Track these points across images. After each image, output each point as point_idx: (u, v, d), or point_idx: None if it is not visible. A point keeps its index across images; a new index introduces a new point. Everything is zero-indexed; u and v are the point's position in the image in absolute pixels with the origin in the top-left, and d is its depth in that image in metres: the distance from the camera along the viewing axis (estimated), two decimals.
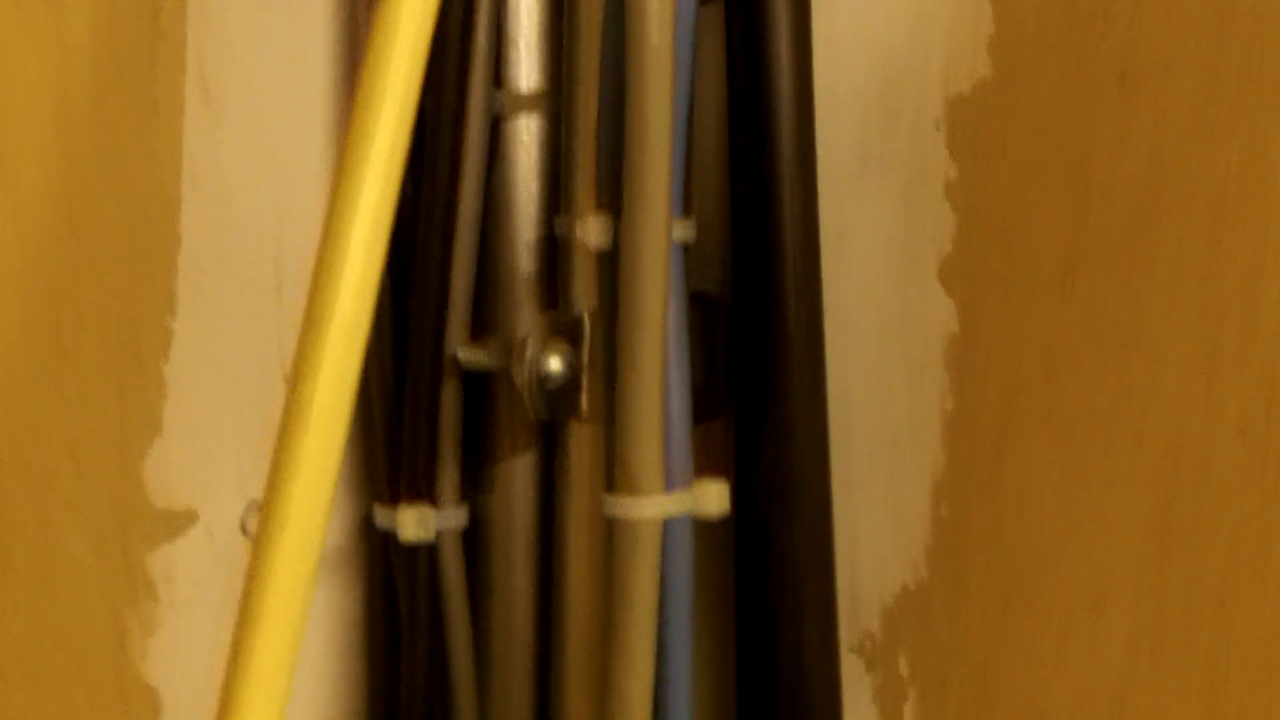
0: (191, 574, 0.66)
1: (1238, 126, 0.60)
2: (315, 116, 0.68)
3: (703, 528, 0.65)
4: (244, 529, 0.68)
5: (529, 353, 0.65)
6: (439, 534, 0.68)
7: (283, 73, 0.67)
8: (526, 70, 0.70)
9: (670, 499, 0.63)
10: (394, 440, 0.69)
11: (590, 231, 0.64)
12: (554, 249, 0.70)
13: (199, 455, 0.65)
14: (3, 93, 0.56)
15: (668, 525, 0.63)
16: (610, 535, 0.63)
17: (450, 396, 0.67)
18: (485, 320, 0.70)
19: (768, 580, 0.68)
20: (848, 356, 0.70)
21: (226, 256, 0.65)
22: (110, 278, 0.61)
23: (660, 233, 0.61)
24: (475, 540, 0.71)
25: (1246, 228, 0.60)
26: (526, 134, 0.70)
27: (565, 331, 0.66)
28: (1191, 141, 0.61)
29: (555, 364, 0.65)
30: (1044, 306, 0.65)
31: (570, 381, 0.66)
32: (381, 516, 0.69)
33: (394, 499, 0.68)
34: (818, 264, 0.67)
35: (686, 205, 0.67)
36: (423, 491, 0.68)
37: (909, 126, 0.68)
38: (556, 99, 0.70)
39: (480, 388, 0.70)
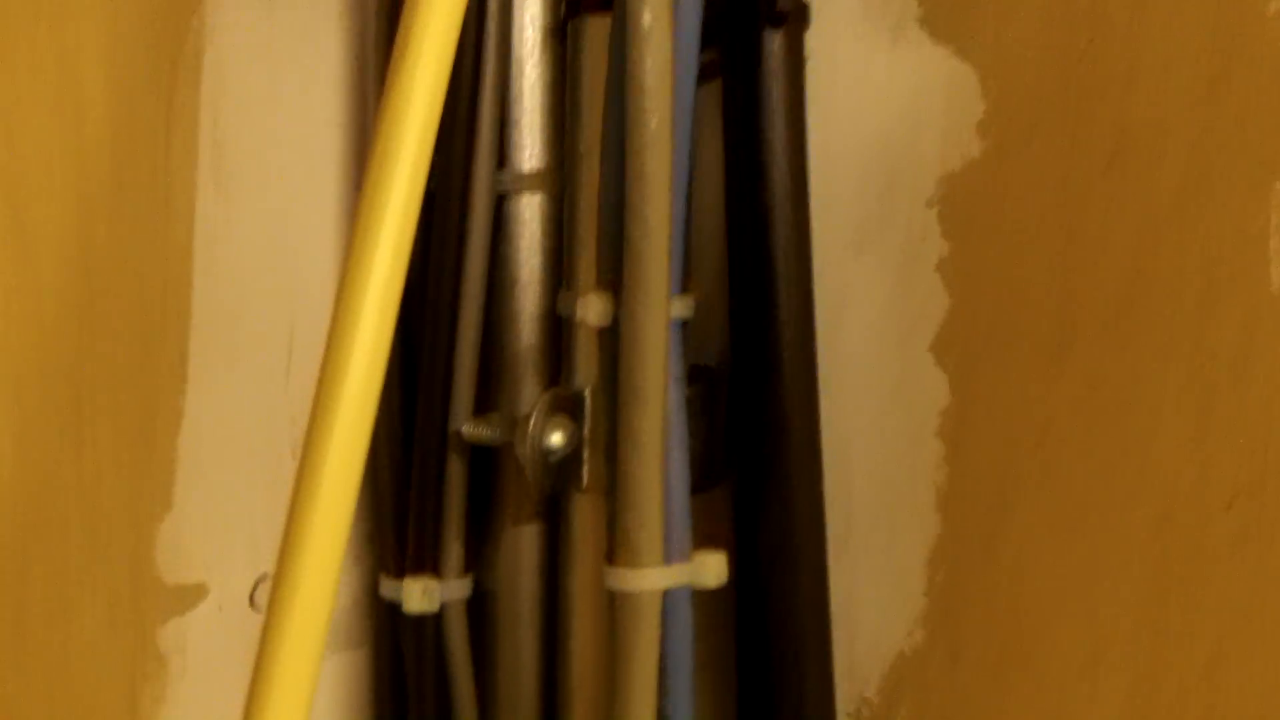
0: (202, 646, 0.67)
1: (1226, 203, 0.62)
2: (326, 198, 0.70)
3: (703, 596, 0.66)
4: (253, 602, 0.69)
5: (531, 428, 0.66)
6: (444, 605, 0.69)
7: (295, 155, 0.69)
8: (530, 150, 0.72)
9: (669, 571, 0.64)
10: (401, 513, 0.70)
11: (591, 310, 0.65)
12: (557, 324, 0.71)
13: (210, 530, 0.67)
14: (23, 178, 0.58)
15: (667, 596, 0.64)
16: (612, 606, 0.64)
17: (455, 471, 0.69)
18: (490, 395, 0.72)
19: (768, 648, 0.70)
20: (846, 426, 0.72)
21: (238, 335, 0.67)
22: (125, 359, 0.62)
23: (659, 312, 0.63)
24: (480, 610, 0.72)
25: (1234, 301, 0.62)
26: (529, 212, 0.72)
27: (567, 407, 0.68)
28: (1180, 218, 0.63)
29: (557, 439, 0.67)
30: (1037, 379, 0.67)
31: (572, 455, 0.67)
32: (388, 588, 0.70)
33: (400, 571, 0.70)
34: (813, 339, 0.69)
35: (686, 282, 0.68)
36: (428, 564, 0.69)
37: (904, 204, 0.70)
38: (559, 178, 0.72)
39: (486, 460, 0.71)
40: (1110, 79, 0.64)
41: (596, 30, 0.69)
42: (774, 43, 0.66)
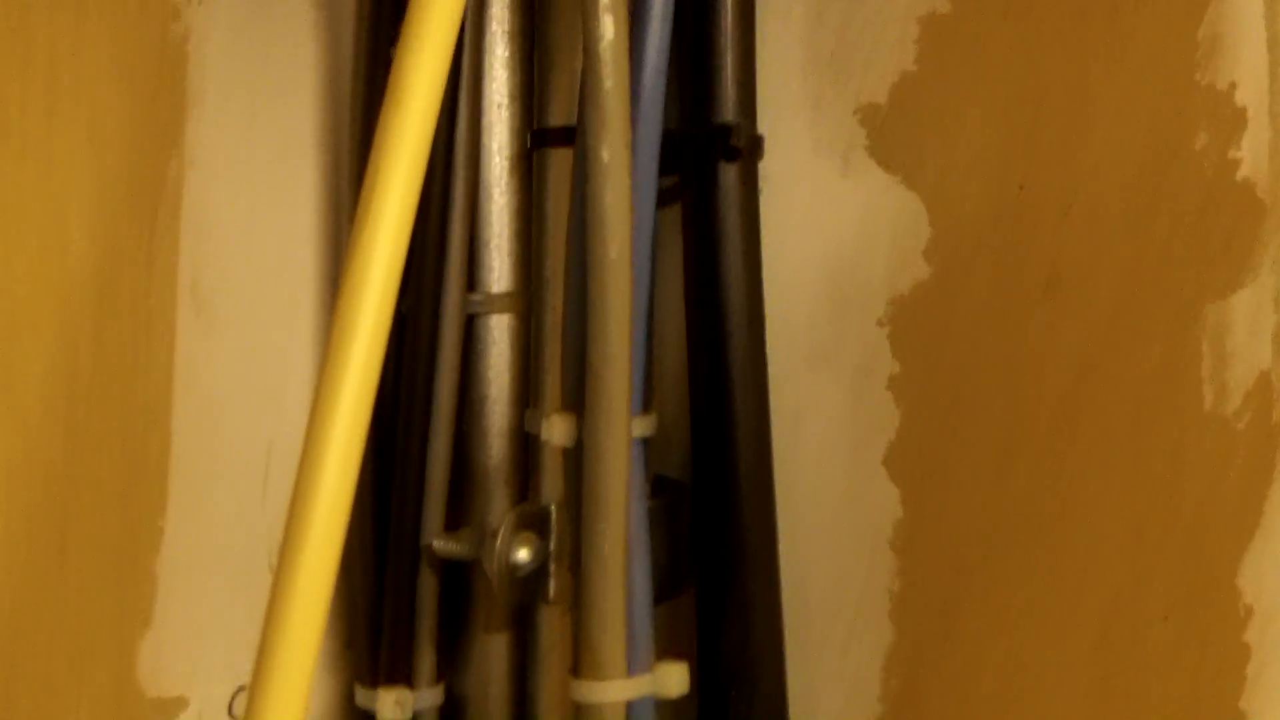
0: None
1: (1158, 327, 0.65)
2: (303, 319, 0.73)
3: (667, 704, 0.69)
4: (231, 712, 0.71)
5: (499, 544, 0.69)
6: (417, 714, 0.72)
7: (271, 283, 0.72)
8: (498, 272, 0.75)
9: (632, 683, 0.66)
10: (375, 624, 0.73)
11: (556, 431, 0.68)
12: (526, 439, 0.74)
13: (190, 643, 0.69)
14: (8, 314, 0.61)
15: (631, 707, 0.66)
16: (577, 718, 0.67)
17: (428, 584, 0.71)
18: (462, 508, 0.74)
19: None
20: (804, 537, 0.74)
21: (217, 455, 0.69)
22: (108, 481, 0.65)
23: (621, 434, 0.65)
24: (453, 717, 0.75)
25: (1168, 420, 0.65)
26: (499, 331, 0.75)
27: (535, 522, 0.70)
28: (1115, 341, 0.66)
29: (524, 554, 0.69)
30: (983, 492, 0.70)
31: (540, 569, 0.70)
32: (362, 697, 0.73)
33: (374, 681, 0.72)
34: (769, 453, 0.72)
35: (649, 399, 0.71)
36: (401, 674, 0.71)
37: (856, 323, 0.73)
38: (527, 299, 0.75)
39: (458, 572, 0.74)
40: (1045, 211, 0.67)
41: (559, 162, 0.73)
42: (729, 175, 0.70)
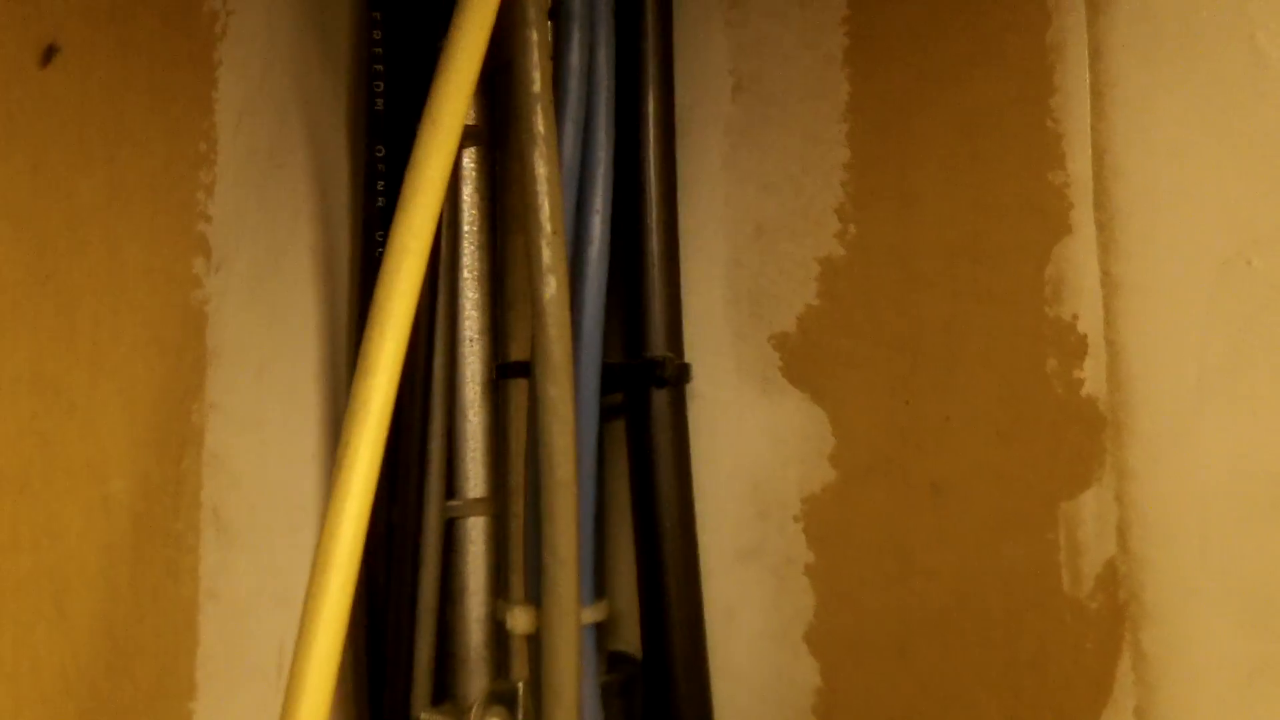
0: None
1: (1023, 526, 0.77)
2: (309, 537, 0.86)
3: None
4: None
5: (473, 718, 0.81)
6: None
7: (282, 505, 0.84)
8: (474, 480, 0.88)
9: None
10: None
11: (519, 621, 0.81)
12: (500, 624, 0.87)
13: None
14: (58, 546, 0.73)
15: None
16: None
17: None
18: (446, 684, 0.87)
19: None
20: (739, 709, 0.86)
21: (236, 652, 0.82)
22: (144, 678, 0.77)
23: (571, 624, 0.78)
24: None
25: (1034, 602, 0.77)
26: (476, 532, 0.88)
27: (505, 699, 0.82)
28: (988, 533, 0.78)
29: None
30: (886, 671, 0.81)
31: None
32: None
33: None
34: (702, 639, 0.84)
35: (600, 589, 0.84)
36: None
37: (776, 521, 0.85)
38: (500, 503, 0.88)
39: None
40: (926, 427, 0.79)
41: (518, 391, 0.86)
42: (660, 400, 0.82)
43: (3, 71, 0.70)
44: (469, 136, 0.88)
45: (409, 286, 0.67)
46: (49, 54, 0.72)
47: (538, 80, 0.78)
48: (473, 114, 0.88)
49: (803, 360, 0.84)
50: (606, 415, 0.85)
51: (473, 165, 0.89)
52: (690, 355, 0.87)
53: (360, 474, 0.66)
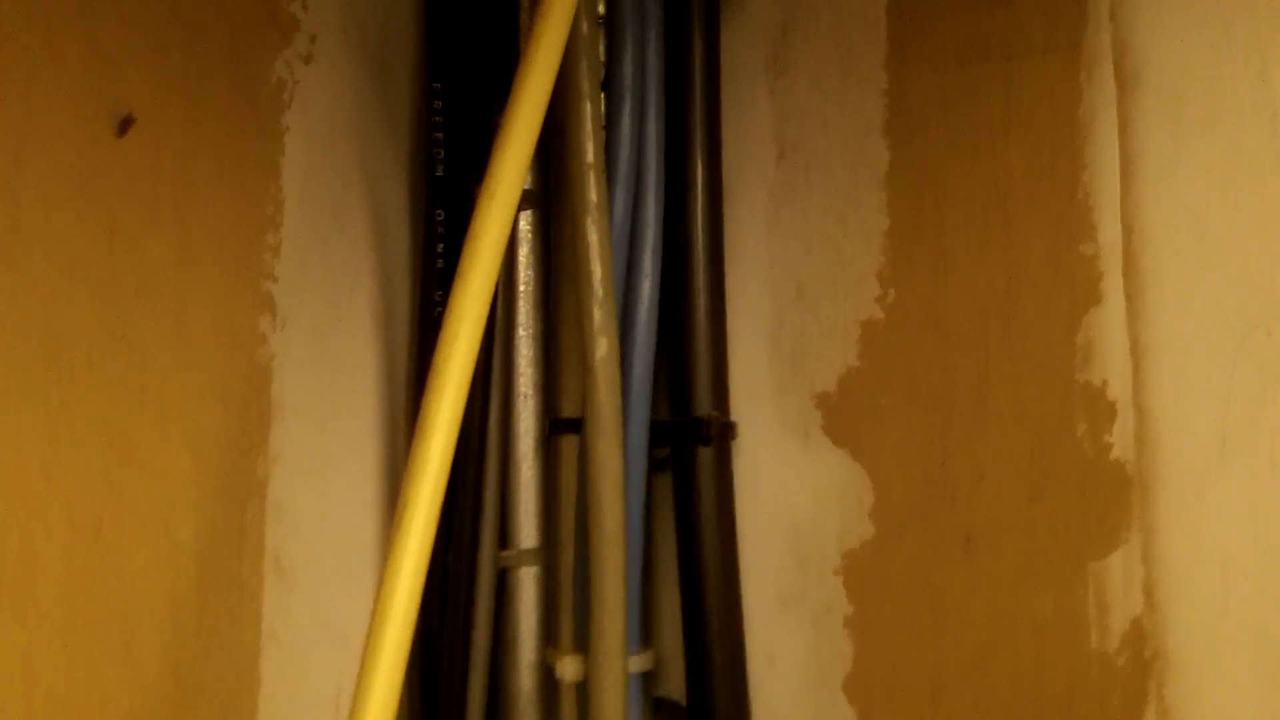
0: None
1: (1053, 581, 0.79)
2: (366, 582, 0.89)
3: None
4: None
5: None
6: None
7: (340, 551, 0.88)
8: (526, 531, 0.91)
9: None
10: None
11: (567, 670, 0.84)
12: (550, 670, 0.90)
13: None
14: (128, 591, 0.77)
15: None
16: None
17: None
18: None
19: None
20: None
21: (296, 692, 0.85)
22: (208, 715, 0.80)
23: (618, 673, 0.81)
24: None
25: (1062, 658, 0.79)
26: (527, 580, 0.91)
27: None
28: (1019, 594, 0.80)
29: None
30: (920, 717, 0.84)
31: None
32: None
33: None
34: (744, 685, 0.87)
35: (647, 638, 0.87)
36: None
37: (816, 573, 0.88)
38: (552, 553, 0.91)
39: None
40: (960, 484, 0.82)
41: (569, 446, 0.90)
42: (705, 457, 0.86)
43: (81, 139, 0.74)
44: (525, 200, 0.92)
45: (466, 350, 0.71)
46: (125, 124, 0.77)
47: (590, 151, 0.81)
48: (529, 178, 0.92)
49: (843, 418, 0.87)
50: (655, 467, 0.88)
51: (529, 227, 0.92)
52: (735, 410, 0.90)
53: (417, 533, 0.69)
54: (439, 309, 0.87)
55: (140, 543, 0.77)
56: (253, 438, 0.83)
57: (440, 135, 0.90)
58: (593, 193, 0.81)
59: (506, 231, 0.73)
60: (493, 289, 0.72)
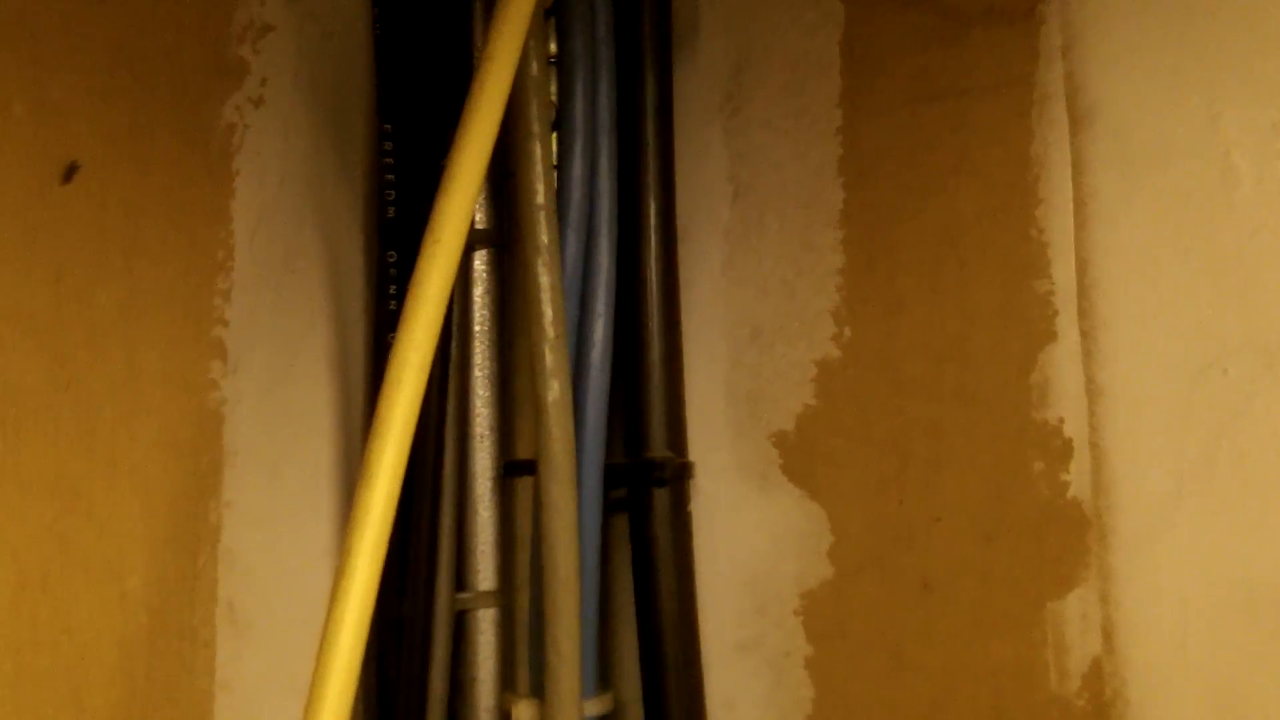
0: None
1: (1011, 624, 0.79)
2: (319, 629, 0.88)
3: None
4: None
5: None
6: None
7: (295, 599, 0.87)
8: (484, 573, 0.90)
9: None
10: None
11: (523, 715, 0.83)
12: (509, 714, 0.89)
13: None
14: (77, 642, 0.76)
15: None
16: None
17: None
18: None
19: None
20: None
21: None
22: None
23: (572, 718, 0.80)
24: None
25: (1021, 700, 0.79)
26: (485, 623, 0.90)
27: None
28: (976, 640, 0.80)
29: None
30: None
31: None
32: None
33: None
34: None
35: (605, 681, 0.86)
36: None
37: (774, 615, 0.87)
38: (509, 594, 0.90)
39: None
40: (916, 526, 0.82)
41: (525, 488, 0.89)
42: (661, 499, 0.85)
43: (26, 189, 0.74)
44: (481, 239, 0.91)
45: (410, 397, 0.70)
46: (70, 172, 0.76)
47: (540, 192, 0.81)
48: (484, 217, 0.92)
49: (800, 459, 0.87)
50: (611, 508, 0.88)
51: (484, 267, 0.92)
52: (692, 451, 0.89)
53: (360, 581, 0.69)
54: None
55: (89, 593, 0.77)
56: (204, 485, 0.83)
57: (391, 177, 0.89)
58: (543, 234, 0.81)
59: (451, 277, 0.72)
60: (437, 335, 0.71)
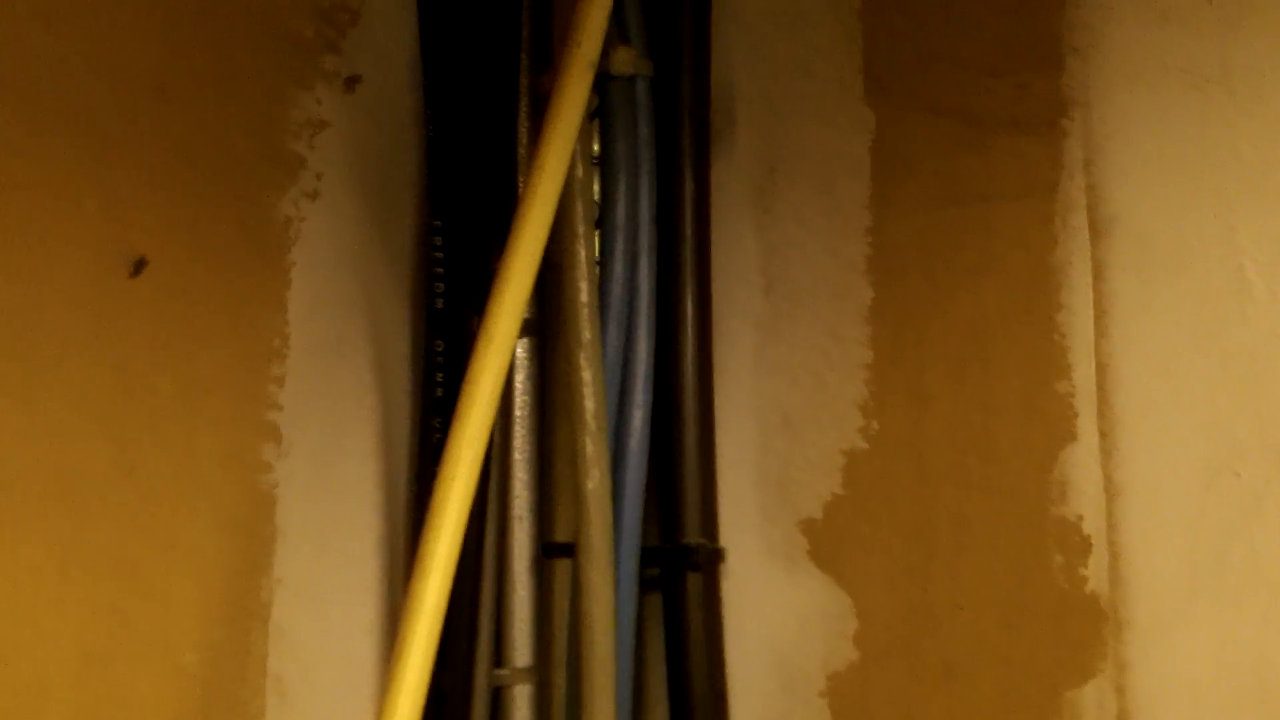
0: None
1: (1028, 708, 0.82)
2: (365, 703, 0.91)
3: None
4: None
5: None
6: None
7: (340, 673, 0.90)
8: (521, 649, 0.93)
9: None
10: None
11: None
12: None
13: None
14: (135, 715, 0.80)
15: None
16: None
17: None
18: None
19: None
20: None
21: None
22: None
23: None
24: None
25: None
26: (522, 699, 0.93)
27: None
28: (997, 716, 0.83)
29: None
30: None
31: None
32: None
33: None
34: None
35: None
36: None
37: (801, 696, 0.90)
38: (546, 671, 0.93)
39: None
40: (940, 613, 0.85)
41: (562, 570, 0.92)
42: (694, 583, 0.88)
43: (96, 281, 0.78)
44: (523, 328, 0.94)
45: (463, 491, 0.74)
46: (140, 266, 0.80)
47: (585, 290, 0.85)
48: (527, 307, 0.95)
49: (827, 545, 0.90)
50: (646, 585, 0.91)
51: (525, 354, 0.95)
52: (723, 535, 0.93)
53: (414, 668, 0.72)
54: (438, 435, 0.90)
55: (147, 669, 0.80)
56: (256, 562, 0.86)
57: (440, 270, 0.93)
58: (586, 331, 0.84)
59: (503, 375, 0.76)
60: (489, 431, 0.75)
